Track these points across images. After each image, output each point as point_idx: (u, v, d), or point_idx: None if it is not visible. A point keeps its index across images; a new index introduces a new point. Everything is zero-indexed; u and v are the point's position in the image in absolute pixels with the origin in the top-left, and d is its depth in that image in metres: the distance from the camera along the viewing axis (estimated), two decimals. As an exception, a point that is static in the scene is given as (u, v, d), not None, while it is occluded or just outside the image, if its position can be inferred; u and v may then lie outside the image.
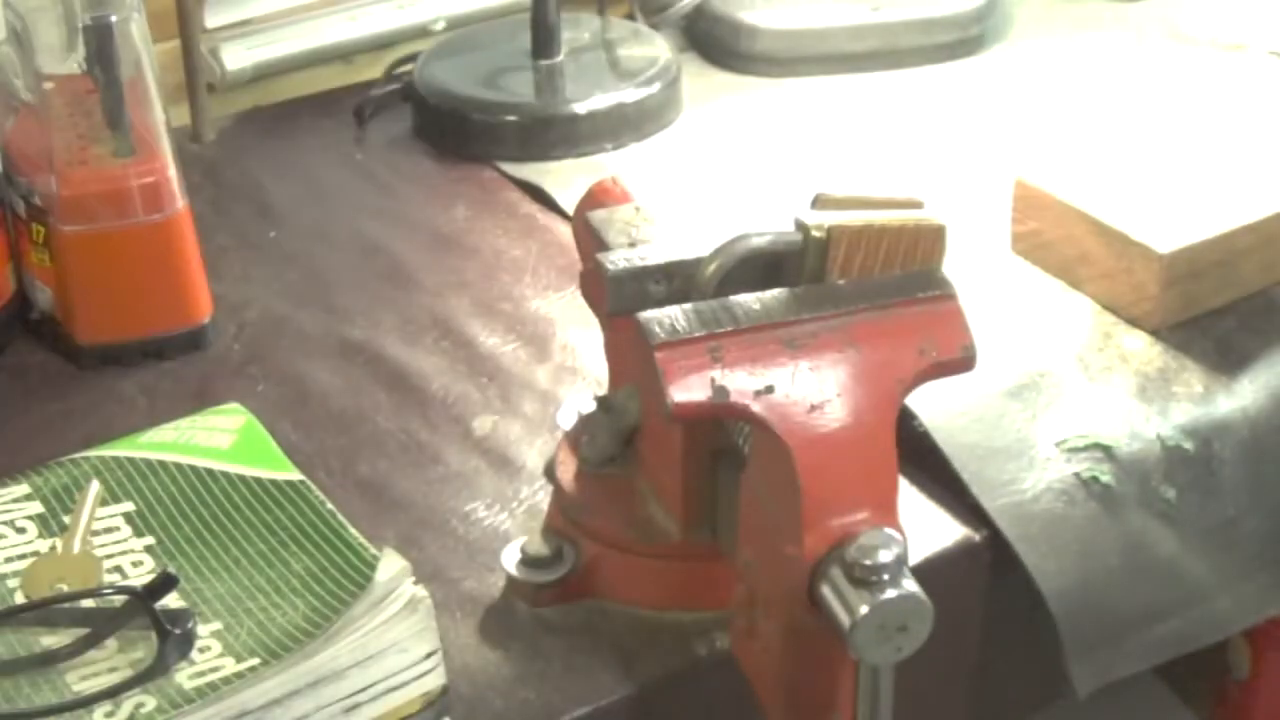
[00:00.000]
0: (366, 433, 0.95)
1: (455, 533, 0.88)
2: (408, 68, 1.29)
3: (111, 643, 0.75)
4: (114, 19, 0.96)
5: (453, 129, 1.24)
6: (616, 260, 0.78)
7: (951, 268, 0.74)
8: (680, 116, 1.27)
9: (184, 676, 0.73)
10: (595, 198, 0.86)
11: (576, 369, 0.99)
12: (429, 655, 0.74)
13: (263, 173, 1.22)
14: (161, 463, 0.86)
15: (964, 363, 0.72)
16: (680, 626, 0.81)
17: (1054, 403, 0.94)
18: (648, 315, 0.71)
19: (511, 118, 1.23)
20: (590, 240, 0.83)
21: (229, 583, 0.78)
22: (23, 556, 0.81)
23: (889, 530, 0.68)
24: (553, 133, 1.22)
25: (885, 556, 0.66)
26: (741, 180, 1.18)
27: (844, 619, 0.66)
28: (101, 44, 0.96)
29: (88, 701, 0.72)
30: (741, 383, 0.69)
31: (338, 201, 1.19)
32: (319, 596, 0.76)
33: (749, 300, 0.72)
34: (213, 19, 1.29)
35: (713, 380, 0.69)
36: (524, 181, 1.19)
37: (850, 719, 0.71)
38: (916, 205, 0.75)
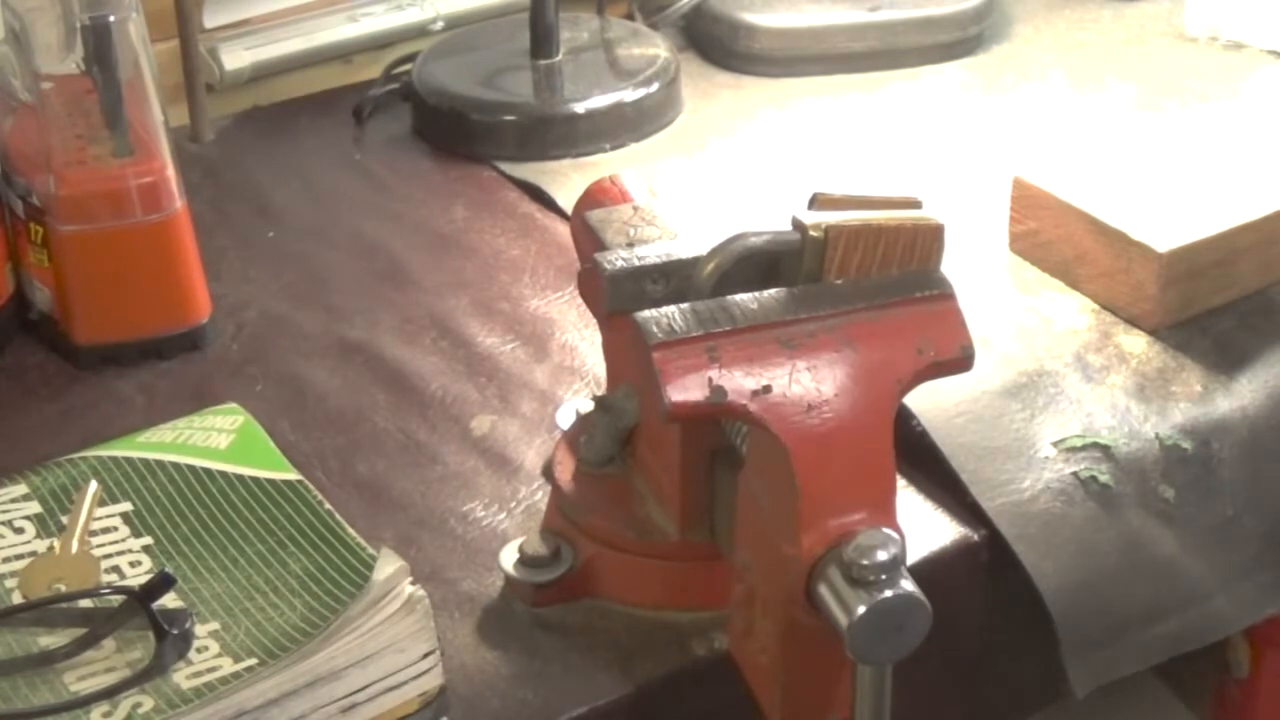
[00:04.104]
0: (365, 433, 0.95)
1: (453, 533, 0.87)
2: (406, 67, 1.29)
3: (109, 643, 0.75)
4: (112, 19, 0.96)
5: (451, 129, 1.24)
6: (614, 260, 0.78)
7: (949, 267, 0.74)
8: (679, 116, 1.27)
9: (181, 676, 0.73)
10: (593, 197, 0.86)
11: (575, 369, 0.99)
12: (427, 655, 0.74)
13: (261, 173, 1.22)
14: (160, 463, 0.86)
15: (962, 362, 0.72)
16: (678, 626, 0.81)
17: (1052, 402, 0.94)
18: (645, 315, 0.71)
19: (510, 117, 1.23)
20: (588, 240, 0.83)
21: (227, 583, 0.78)
22: (20, 556, 0.81)
23: (887, 530, 0.68)
24: (551, 132, 1.22)
25: (883, 556, 0.66)
26: (740, 180, 1.18)
27: (841, 619, 0.66)
28: (100, 44, 0.96)
29: (85, 702, 0.72)
30: (739, 382, 0.69)
31: (336, 201, 1.19)
32: (317, 596, 0.76)
33: (746, 300, 0.72)
34: (211, 19, 1.29)
35: (710, 380, 0.69)
36: (523, 181, 1.19)
37: (848, 719, 0.71)
38: (914, 205, 0.75)
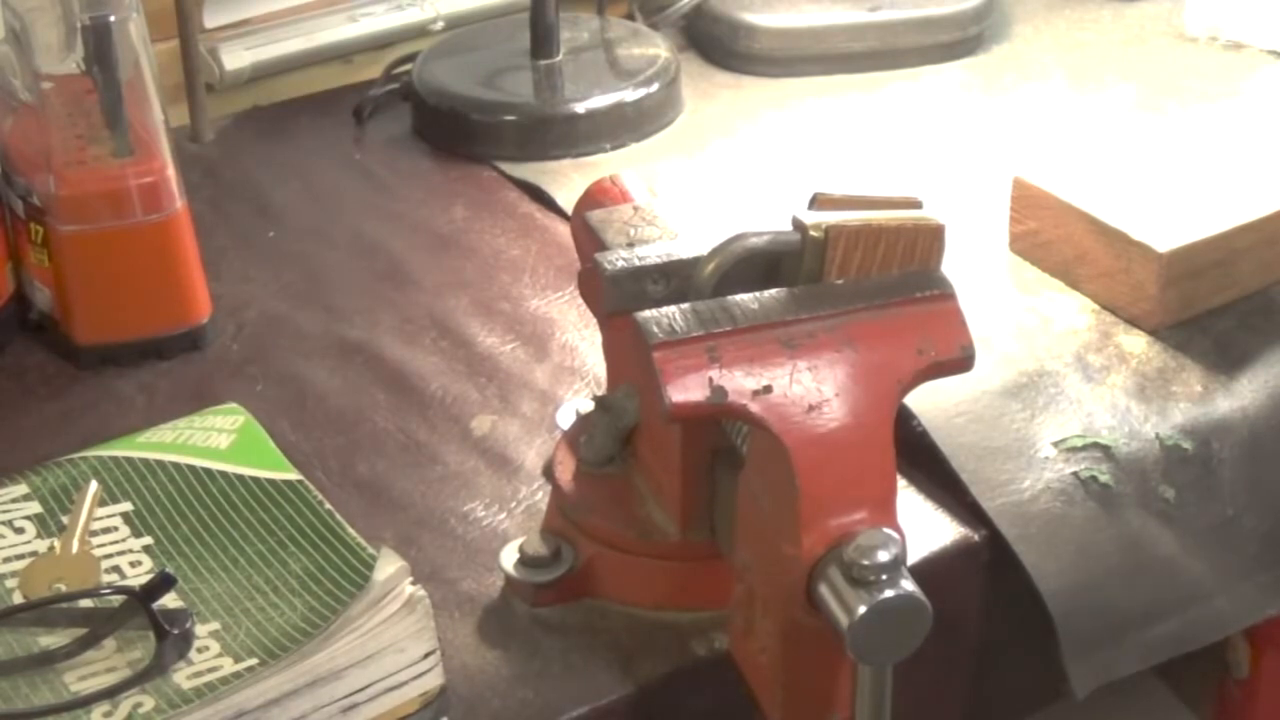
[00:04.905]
0: (365, 433, 0.95)
1: (454, 533, 0.87)
2: (406, 67, 1.29)
3: (110, 643, 0.75)
4: (112, 19, 0.96)
5: (451, 129, 1.24)
6: (614, 260, 0.78)
7: (950, 267, 0.74)
8: (679, 116, 1.27)
9: (182, 676, 0.73)
10: (594, 197, 0.86)
11: (575, 369, 0.99)
12: (427, 655, 0.74)
13: (262, 173, 1.22)
14: (160, 463, 0.86)
15: (962, 362, 0.72)
16: (678, 626, 0.81)
17: (1052, 402, 0.94)
18: (646, 315, 0.71)
19: (510, 117, 1.23)
20: (589, 240, 0.83)
21: (227, 583, 0.78)
22: (21, 556, 0.81)
23: (887, 530, 0.68)
24: (552, 133, 1.22)
25: (883, 556, 0.66)
26: (740, 180, 1.18)
27: (842, 619, 0.66)
28: (100, 44, 0.96)
29: (86, 701, 0.72)
30: (739, 383, 0.69)
31: (337, 201, 1.19)
32: (317, 596, 0.76)
33: (747, 300, 0.72)
34: (211, 19, 1.29)
35: (710, 380, 0.69)
36: (523, 181, 1.19)
37: (849, 719, 0.71)
38: (914, 205, 0.75)
